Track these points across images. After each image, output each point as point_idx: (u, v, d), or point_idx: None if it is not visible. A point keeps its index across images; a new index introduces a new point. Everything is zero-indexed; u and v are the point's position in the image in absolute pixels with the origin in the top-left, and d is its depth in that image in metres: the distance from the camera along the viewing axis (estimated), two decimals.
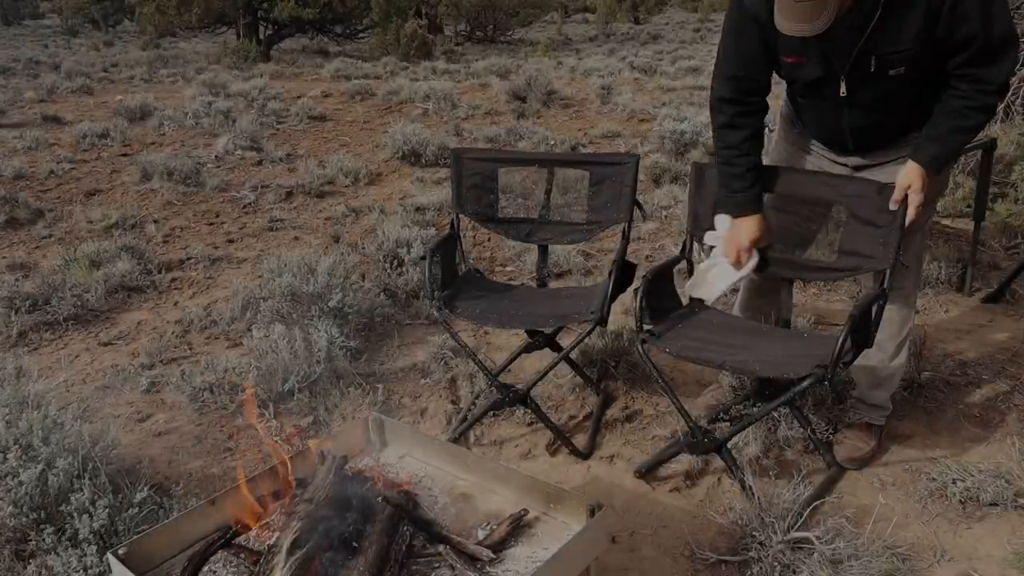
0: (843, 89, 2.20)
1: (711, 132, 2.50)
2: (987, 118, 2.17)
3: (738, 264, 2.46)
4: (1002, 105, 5.31)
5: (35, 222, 5.40)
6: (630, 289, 2.71)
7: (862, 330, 2.19)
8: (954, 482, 2.35)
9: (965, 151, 3.86)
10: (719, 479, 2.49)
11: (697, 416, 2.69)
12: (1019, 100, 5.36)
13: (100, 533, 2.04)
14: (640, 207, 2.86)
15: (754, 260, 2.46)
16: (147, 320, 3.86)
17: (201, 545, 1.74)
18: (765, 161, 2.59)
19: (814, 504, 2.26)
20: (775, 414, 2.60)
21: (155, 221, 5.42)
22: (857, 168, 2.42)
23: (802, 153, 2.54)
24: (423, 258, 2.64)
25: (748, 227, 2.43)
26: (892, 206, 2.22)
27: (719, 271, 2.50)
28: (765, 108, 2.42)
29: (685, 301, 2.65)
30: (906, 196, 2.20)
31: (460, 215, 2.95)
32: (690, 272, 2.73)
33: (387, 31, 19.27)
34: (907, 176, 2.19)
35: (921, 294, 3.79)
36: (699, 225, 2.62)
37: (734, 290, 2.75)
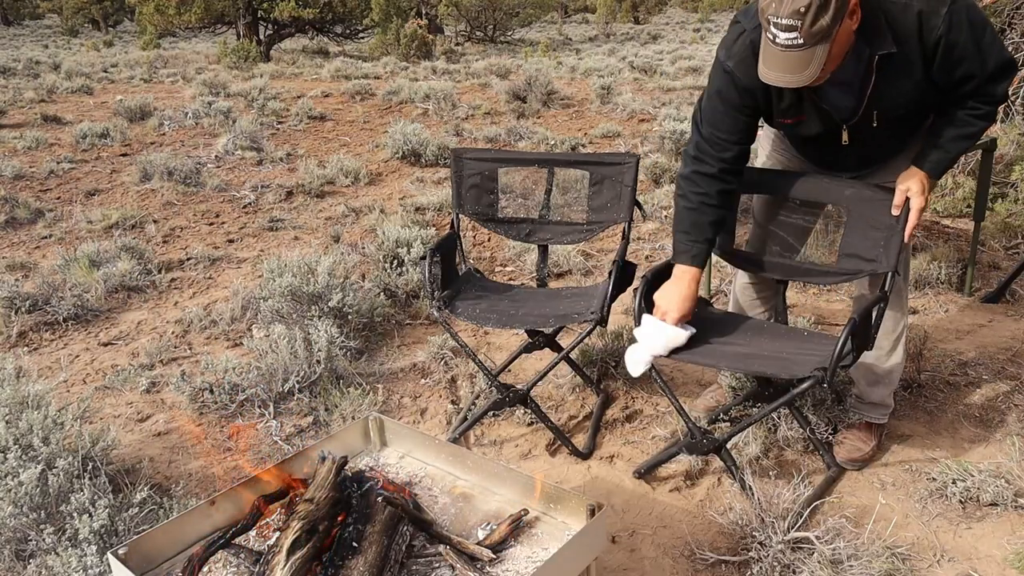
0: (845, 138, 2.21)
1: (679, 175, 2.36)
2: (988, 125, 2.18)
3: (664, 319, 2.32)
4: (1003, 105, 5.31)
5: (35, 222, 5.40)
6: (630, 289, 2.71)
7: (862, 333, 2.18)
8: (954, 482, 2.35)
9: (965, 152, 3.87)
10: (719, 479, 2.49)
11: (697, 417, 2.70)
12: (1019, 100, 5.36)
13: (100, 533, 2.04)
14: (640, 207, 2.86)
15: (687, 331, 2.32)
16: (147, 320, 3.86)
17: (202, 544, 1.74)
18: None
19: (814, 504, 2.26)
20: (775, 414, 2.60)
21: (155, 221, 5.42)
22: (852, 177, 2.43)
23: (797, 162, 2.53)
24: (423, 258, 2.64)
25: (692, 284, 2.33)
26: (894, 211, 2.22)
27: (650, 339, 2.32)
28: (743, 171, 2.37)
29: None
30: (907, 200, 2.20)
31: (460, 215, 2.95)
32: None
33: (387, 31, 19.30)
34: (906, 181, 2.20)
35: (921, 294, 3.80)
36: None
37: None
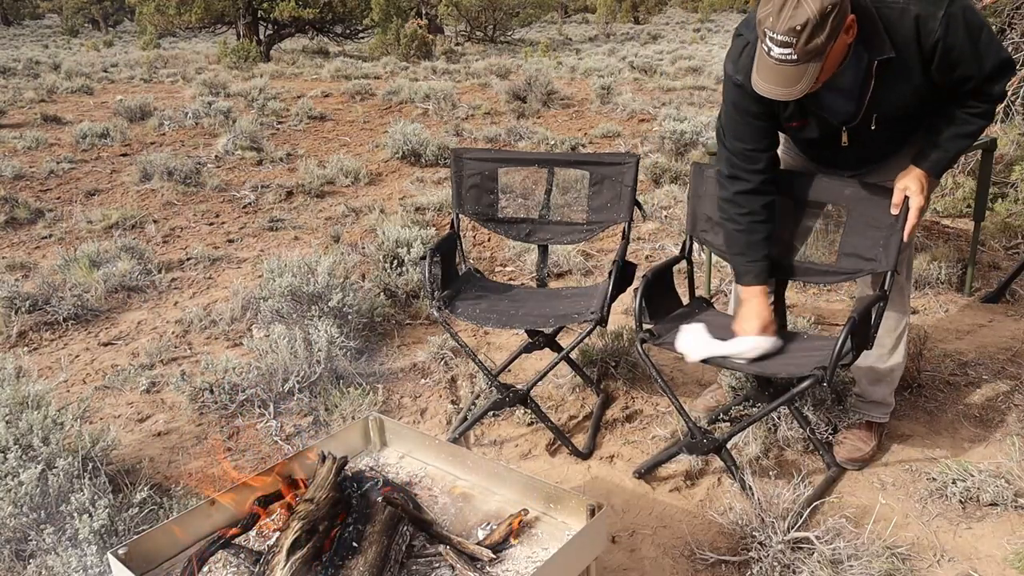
0: (844, 140, 2.23)
1: (720, 199, 2.37)
2: (987, 124, 2.19)
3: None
4: (1002, 105, 5.32)
5: (35, 222, 5.40)
6: (630, 289, 2.71)
7: (862, 332, 2.18)
8: (954, 482, 2.35)
9: (965, 151, 3.88)
10: (719, 479, 2.49)
11: (697, 417, 2.70)
12: (1019, 100, 5.37)
13: (100, 533, 2.04)
14: (640, 207, 2.86)
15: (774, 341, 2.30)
16: (147, 320, 3.85)
17: (201, 544, 1.74)
18: None
19: (814, 504, 2.26)
20: (775, 414, 2.60)
21: (155, 221, 5.42)
22: (852, 175, 2.43)
23: (800, 160, 2.54)
24: (423, 258, 2.64)
25: (763, 300, 2.35)
26: (893, 211, 2.23)
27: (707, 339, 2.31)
28: (774, 179, 2.38)
29: (685, 301, 2.65)
30: (907, 199, 2.20)
31: (460, 215, 2.95)
32: (690, 278, 2.74)
33: (387, 31, 19.30)
34: (905, 180, 2.20)
35: (921, 294, 3.80)
36: (699, 225, 2.62)
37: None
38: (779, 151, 2.59)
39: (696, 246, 2.79)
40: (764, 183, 2.31)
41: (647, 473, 2.51)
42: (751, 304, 2.35)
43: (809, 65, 1.88)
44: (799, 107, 2.15)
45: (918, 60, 2.00)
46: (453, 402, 3.02)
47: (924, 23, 1.94)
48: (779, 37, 1.84)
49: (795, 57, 1.86)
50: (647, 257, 4.52)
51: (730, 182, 2.33)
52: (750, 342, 2.27)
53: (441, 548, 1.73)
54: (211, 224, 5.41)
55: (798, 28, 1.81)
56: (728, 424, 2.66)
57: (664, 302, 2.57)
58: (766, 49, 1.89)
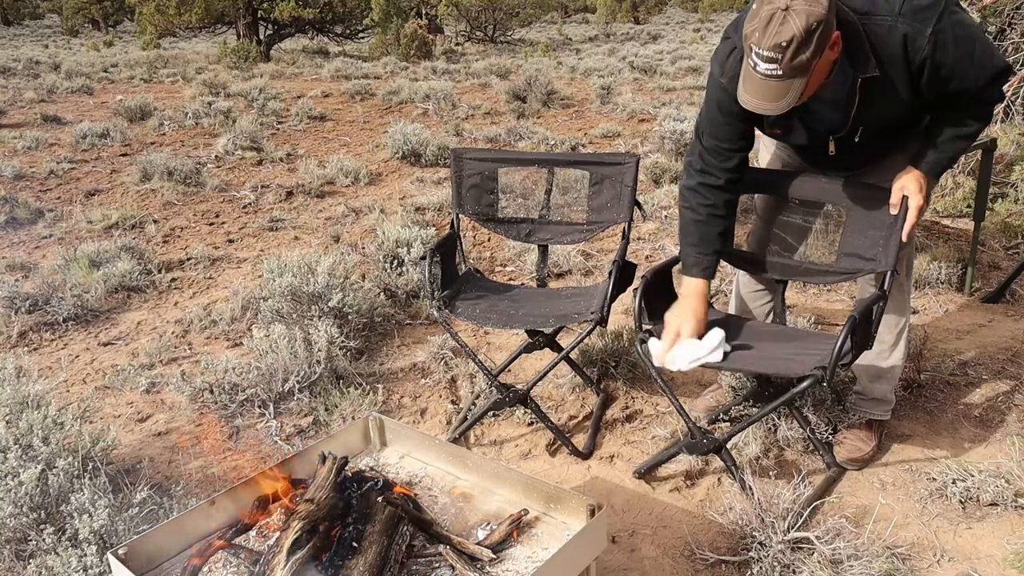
0: (832, 149, 2.23)
1: (684, 187, 2.37)
2: (985, 125, 2.19)
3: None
4: (1002, 105, 5.31)
5: (35, 222, 5.40)
6: (630, 289, 2.71)
7: (862, 331, 2.19)
8: (954, 482, 2.35)
9: (964, 152, 3.87)
10: (719, 479, 2.49)
11: (697, 416, 2.70)
12: (1019, 100, 5.36)
13: (100, 533, 2.04)
14: (640, 207, 2.86)
15: (718, 339, 2.27)
16: (147, 320, 3.85)
17: (201, 545, 1.74)
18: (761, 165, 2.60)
19: (814, 504, 2.27)
20: (775, 414, 2.60)
21: (155, 221, 5.42)
22: (848, 176, 2.43)
23: (797, 160, 2.54)
24: (423, 258, 2.64)
25: (703, 301, 2.34)
26: (892, 210, 2.23)
27: (686, 345, 2.28)
28: (742, 178, 2.39)
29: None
30: (905, 199, 2.20)
31: (460, 215, 2.95)
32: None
33: (387, 31, 19.31)
34: (903, 180, 2.20)
35: (921, 294, 3.80)
36: None
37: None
38: (776, 151, 2.60)
39: None
40: (731, 181, 2.33)
41: (647, 473, 2.51)
42: (691, 299, 2.34)
43: (794, 80, 1.88)
44: (784, 115, 2.15)
45: (906, 77, 2.00)
46: (453, 402, 3.02)
47: (912, 41, 1.93)
48: (765, 53, 1.84)
49: (781, 72, 1.86)
50: (647, 257, 4.52)
51: (699, 174, 2.34)
52: (702, 347, 2.24)
53: (441, 548, 1.73)
54: (211, 224, 5.41)
55: (783, 44, 1.81)
56: (728, 424, 2.66)
57: (664, 302, 2.56)
58: (752, 64, 1.90)
